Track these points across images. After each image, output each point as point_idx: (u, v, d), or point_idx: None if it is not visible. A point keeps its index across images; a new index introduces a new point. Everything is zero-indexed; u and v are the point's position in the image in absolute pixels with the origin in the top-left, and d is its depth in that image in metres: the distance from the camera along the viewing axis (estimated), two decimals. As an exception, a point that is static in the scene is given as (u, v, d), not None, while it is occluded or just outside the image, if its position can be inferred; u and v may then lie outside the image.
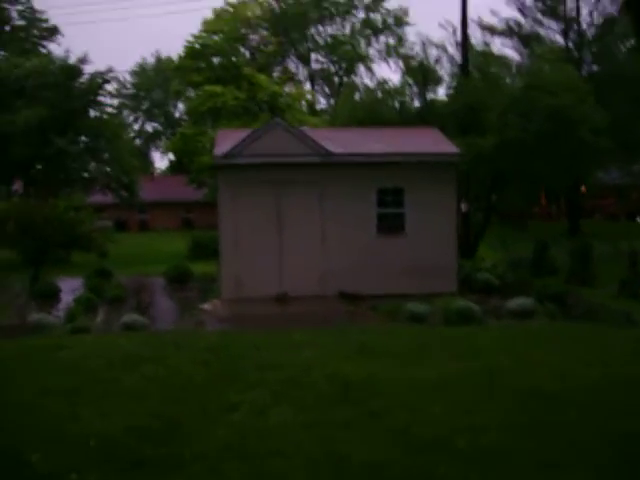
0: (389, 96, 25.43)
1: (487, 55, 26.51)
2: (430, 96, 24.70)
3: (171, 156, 75.59)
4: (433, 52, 26.14)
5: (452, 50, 27.53)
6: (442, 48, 26.36)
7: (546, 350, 9.52)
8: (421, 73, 24.13)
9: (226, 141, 16.18)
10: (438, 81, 24.51)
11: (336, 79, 61.29)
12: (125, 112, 70.37)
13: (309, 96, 53.59)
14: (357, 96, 28.87)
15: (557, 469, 5.17)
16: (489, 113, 21.35)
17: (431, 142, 16.98)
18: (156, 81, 74.80)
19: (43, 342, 10.46)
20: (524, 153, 20.42)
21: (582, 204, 41.61)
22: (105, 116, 31.52)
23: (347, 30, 59.52)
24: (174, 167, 74.63)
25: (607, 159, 23.89)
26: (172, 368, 8.46)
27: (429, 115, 23.23)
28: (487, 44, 31.97)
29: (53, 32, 37.17)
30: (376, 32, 58.34)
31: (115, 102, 40.20)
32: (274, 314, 13.99)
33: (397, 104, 25.27)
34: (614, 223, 46.40)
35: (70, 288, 17.08)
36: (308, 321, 13.00)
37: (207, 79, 41.99)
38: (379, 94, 26.10)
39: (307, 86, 58.73)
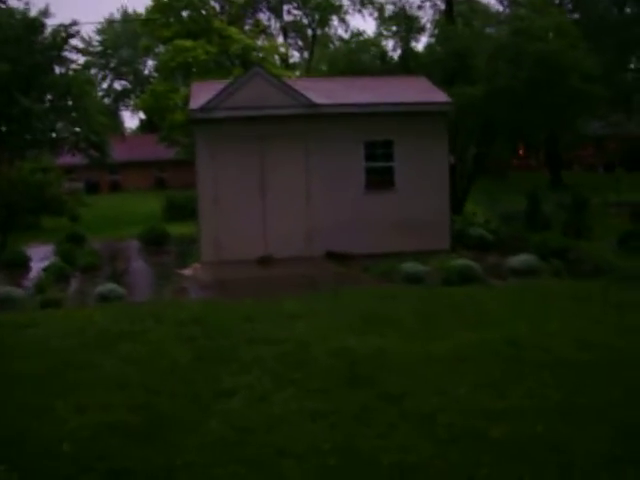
0: (369, 46, 24.24)
1: (472, 1, 25.32)
2: (413, 45, 23.51)
3: (141, 115, 73.73)
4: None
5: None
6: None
7: (562, 314, 8.75)
8: (404, 20, 22.91)
9: (202, 93, 15.04)
10: (421, 29, 23.34)
11: (309, 32, 59.55)
12: (93, 70, 68.04)
13: (282, 49, 51.96)
14: (333, 48, 27.56)
15: (625, 465, 4.37)
16: (476, 60, 20.28)
17: (420, 91, 15.96)
18: (124, 38, 72.36)
19: (9, 318, 9.45)
20: (515, 101, 19.44)
21: (561, 155, 40.98)
22: (71, 73, 29.87)
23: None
24: (145, 126, 72.73)
25: (599, 107, 23.00)
26: (154, 346, 7.55)
27: (412, 64, 22.15)
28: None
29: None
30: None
31: (81, 58, 38.34)
32: (259, 278, 13.07)
33: (378, 53, 24.09)
34: (593, 174, 45.93)
35: (40, 256, 15.99)
36: (297, 285, 12.12)
37: (177, 33, 40.30)
38: (357, 45, 24.86)
39: (280, 39, 57.03)
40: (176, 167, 53.05)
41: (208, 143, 14.48)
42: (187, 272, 13.92)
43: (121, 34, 72.73)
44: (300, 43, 61.13)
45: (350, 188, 15.11)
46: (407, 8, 24.10)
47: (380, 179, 15.31)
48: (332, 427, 5.14)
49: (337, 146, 14.92)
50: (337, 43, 52.14)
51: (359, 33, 46.01)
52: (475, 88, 19.59)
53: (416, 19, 23.59)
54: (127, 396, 5.90)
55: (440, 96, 15.64)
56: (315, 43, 55.87)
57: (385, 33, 24.68)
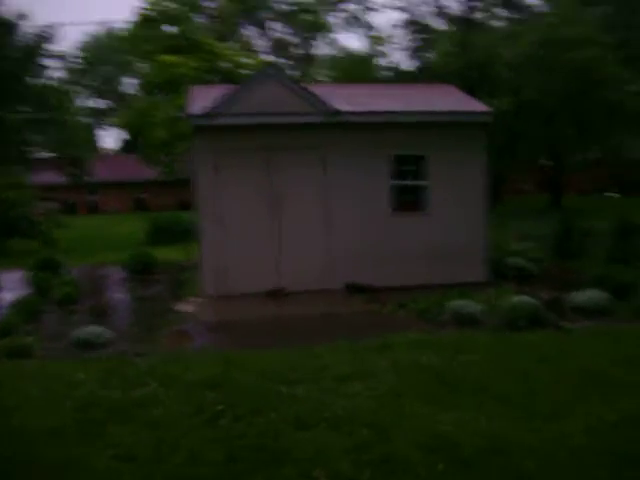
0: (377, 57, 22.24)
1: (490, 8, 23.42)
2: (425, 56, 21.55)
3: (123, 134, 71.32)
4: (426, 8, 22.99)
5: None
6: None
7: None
8: (416, 29, 20.97)
9: (203, 98, 12.86)
10: (436, 38, 21.34)
11: (296, 50, 57.88)
12: (73, 88, 65.70)
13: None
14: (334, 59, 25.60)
15: None
16: (501, 71, 18.31)
17: (455, 100, 13.89)
18: (105, 54, 70.18)
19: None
20: (545, 115, 17.47)
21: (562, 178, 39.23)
22: (48, 82, 27.52)
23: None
24: (127, 146, 70.32)
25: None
26: (161, 431, 5.26)
27: (427, 75, 20.12)
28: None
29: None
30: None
31: (59, 64, 35.89)
32: (274, 317, 10.81)
33: (387, 64, 22.09)
34: (586, 198, 44.46)
35: (9, 285, 13.63)
36: (323, 328, 9.90)
37: (163, 49, 38.44)
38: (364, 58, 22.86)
39: (268, 57, 55.25)
40: (156, 188, 50.85)
41: (211, 155, 12.25)
42: (186, 308, 11.60)
43: (103, 51, 70.49)
44: (288, 62, 59.44)
45: (375, 210, 12.96)
46: (419, 18, 21.99)
47: (409, 200, 13.18)
48: None
49: (361, 161, 12.78)
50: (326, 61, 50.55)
51: (351, 52, 44.47)
52: (501, 101, 17.63)
53: (430, 27, 21.51)
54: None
55: (479, 105, 13.56)
56: (305, 61, 54.28)
57: (395, 44, 22.62)
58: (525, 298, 10.27)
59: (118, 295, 13.25)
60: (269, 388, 6.34)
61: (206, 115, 11.99)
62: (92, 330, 9.04)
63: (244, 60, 43.20)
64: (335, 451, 4.77)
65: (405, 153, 12.99)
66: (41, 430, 5.22)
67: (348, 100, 13.11)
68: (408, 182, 13.10)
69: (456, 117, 13.01)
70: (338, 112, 12.40)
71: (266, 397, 6.03)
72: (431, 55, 21.14)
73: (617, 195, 44.77)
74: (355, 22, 52.46)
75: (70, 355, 8.19)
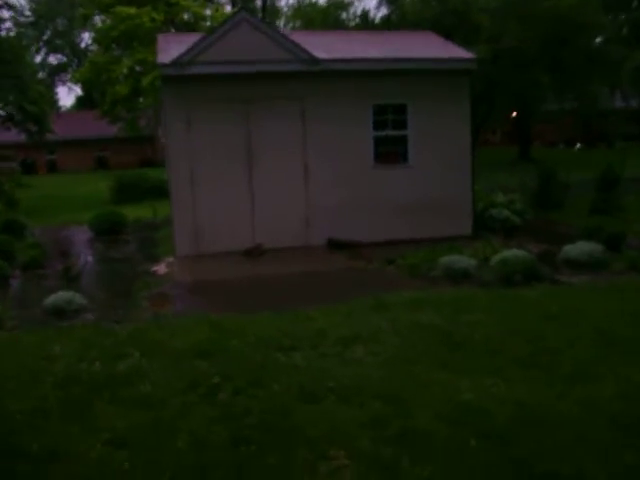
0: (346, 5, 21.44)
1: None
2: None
3: (78, 90, 69.23)
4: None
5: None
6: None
7: None
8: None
9: (173, 46, 12.06)
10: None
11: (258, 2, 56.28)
12: (25, 42, 63.13)
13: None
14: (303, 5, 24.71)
15: None
16: (479, 18, 17.69)
17: (436, 46, 13.28)
18: (59, 8, 67.47)
19: None
20: (523, 63, 16.96)
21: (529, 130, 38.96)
22: (3, 35, 26.10)
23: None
24: (82, 102, 68.13)
25: (619, 72, 20.60)
26: (157, 409, 4.73)
27: (400, 23, 19.41)
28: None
29: None
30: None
31: (9, 15, 34.18)
32: (254, 277, 10.24)
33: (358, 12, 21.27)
34: (555, 150, 44.46)
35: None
36: (308, 287, 9.41)
37: (119, 0, 36.90)
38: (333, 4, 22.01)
39: (228, 8, 53.63)
40: (118, 146, 49.51)
41: (182, 107, 11.52)
42: (160, 269, 10.99)
43: (55, 3, 67.72)
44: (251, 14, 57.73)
45: (356, 162, 12.41)
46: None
47: (392, 151, 12.64)
48: None
49: (341, 111, 12.16)
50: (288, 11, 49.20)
51: (312, 3, 43.20)
52: (478, 49, 17.03)
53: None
54: None
55: (462, 51, 12.98)
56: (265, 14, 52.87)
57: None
58: (517, 252, 9.89)
59: (87, 257, 12.57)
60: (265, 356, 5.84)
61: (176, 64, 11.23)
62: (63, 296, 8.41)
63: (206, 12, 41.80)
64: (350, 427, 4.31)
65: (387, 102, 12.42)
66: (21, 412, 4.65)
67: (326, 48, 12.42)
68: (390, 133, 12.54)
69: (439, 65, 12.43)
70: (317, 60, 11.72)
71: (263, 366, 5.54)
72: (403, 1, 20.36)
73: (579, 147, 44.80)
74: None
75: (42, 325, 7.56)
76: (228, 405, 4.74)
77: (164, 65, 11.32)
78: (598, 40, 17.12)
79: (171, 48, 11.92)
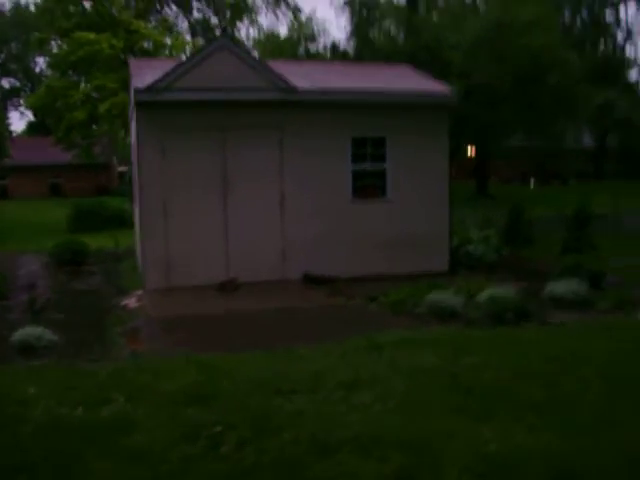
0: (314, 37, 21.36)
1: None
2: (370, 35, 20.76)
3: (30, 116, 67.81)
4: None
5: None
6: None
7: None
8: (361, 7, 20.14)
9: (146, 71, 11.66)
10: (382, 17, 20.47)
11: (218, 32, 56.19)
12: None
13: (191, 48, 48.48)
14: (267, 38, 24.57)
15: None
16: (451, 54, 17.75)
17: (415, 80, 13.17)
18: (14, 31, 66.43)
19: None
20: (493, 100, 17.03)
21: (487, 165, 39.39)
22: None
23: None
24: (34, 128, 66.74)
25: (585, 110, 20.88)
26: (154, 463, 4.26)
27: (371, 57, 19.38)
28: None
29: None
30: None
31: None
32: (231, 313, 9.77)
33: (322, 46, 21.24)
34: (509, 186, 45.05)
35: None
36: (288, 326, 9.01)
37: (78, 25, 36.37)
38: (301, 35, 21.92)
39: (187, 37, 53.36)
40: (73, 172, 48.51)
41: (156, 135, 11.08)
42: (131, 303, 10.45)
43: (10, 27, 66.66)
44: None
45: (334, 196, 12.13)
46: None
47: (370, 185, 12.39)
48: None
49: (319, 143, 11.90)
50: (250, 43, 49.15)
51: (275, 35, 43.27)
52: (451, 84, 17.04)
53: (374, 7, 20.58)
54: None
55: (439, 86, 12.89)
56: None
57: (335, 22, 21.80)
58: (504, 290, 9.68)
59: (51, 288, 11.92)
60: (264, 400, 5.41)
61: (152, 90, 10.83)
62: (31, 332, 7.84)
63: (166, 40, 41.43)
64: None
65: (366, 135, 12.20)
66: (3, 471, 4.12)
67: (304, 78, 12.18)
68: (369, 166, 12.32)
69: (418, 99, 12.29)
70: (295, 89, 11.46)
71: (266, 413, 5.11)
72: (374, 34, 20.34)
73: (532, 184, 45.46)
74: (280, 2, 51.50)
75: (10, 364, 6.99)
76: (234, 459, 4.30)
77: (139, 91, 10.89)
78: (565, 80, 17.22)
79: (145, 73, 11.52)
